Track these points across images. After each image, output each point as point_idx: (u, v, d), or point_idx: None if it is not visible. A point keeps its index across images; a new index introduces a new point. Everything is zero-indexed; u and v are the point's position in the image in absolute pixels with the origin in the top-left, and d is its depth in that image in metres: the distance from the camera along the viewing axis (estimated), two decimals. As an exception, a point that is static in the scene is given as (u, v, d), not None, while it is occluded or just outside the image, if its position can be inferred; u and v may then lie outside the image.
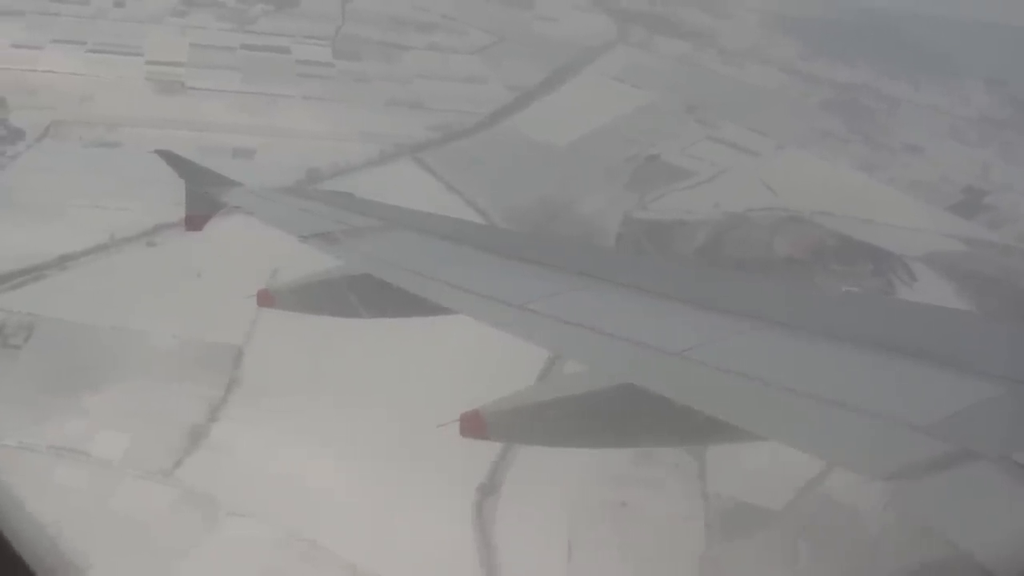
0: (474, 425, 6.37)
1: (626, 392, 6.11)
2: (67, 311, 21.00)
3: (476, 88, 34.18)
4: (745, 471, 18.62)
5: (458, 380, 18.96)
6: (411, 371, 19.54)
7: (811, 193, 30.03)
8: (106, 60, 32.16)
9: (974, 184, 32.76)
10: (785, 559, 17.78)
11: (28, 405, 18.47)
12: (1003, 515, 4.83)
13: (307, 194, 11.74)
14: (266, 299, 8.85)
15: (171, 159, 11.06)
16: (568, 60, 37.53)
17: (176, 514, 16.97)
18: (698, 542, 17.74)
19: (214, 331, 20.94)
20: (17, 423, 18.00)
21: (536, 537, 17.36)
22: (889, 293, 25.36)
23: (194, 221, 10.92)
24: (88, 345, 20.13)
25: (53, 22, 33.76)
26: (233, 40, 34.86)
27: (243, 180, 23.75)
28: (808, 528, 18.23)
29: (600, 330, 6.84)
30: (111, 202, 24.72)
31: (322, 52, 34.95)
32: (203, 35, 34.82)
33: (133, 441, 18.10)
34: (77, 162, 26.71)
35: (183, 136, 28.13)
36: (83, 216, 24.04)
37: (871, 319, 7.06)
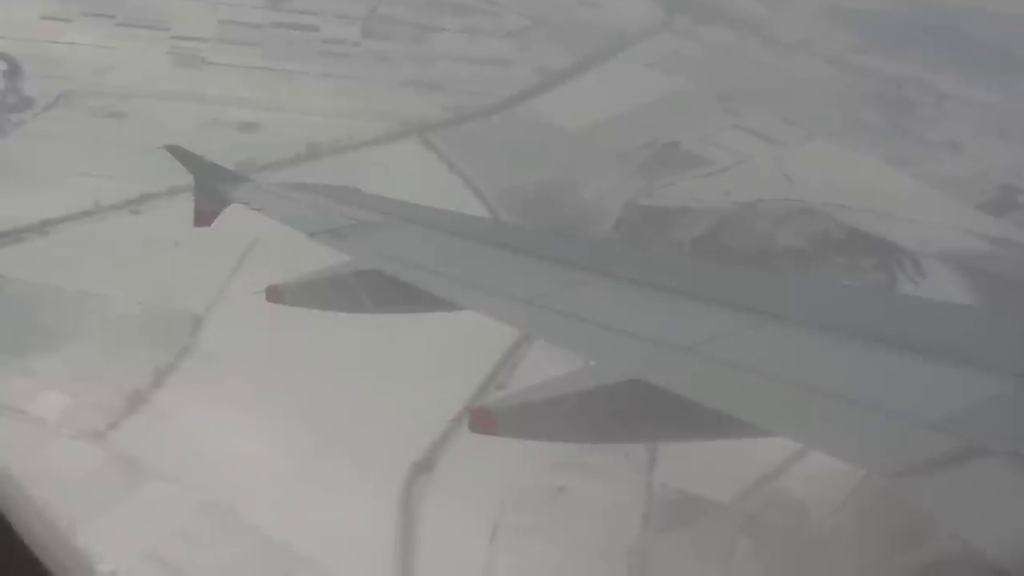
0: (484, 420, 6.60)
1: (635, 387, 6.27)
2: (37, 274, 21.28)
3: (502, 71, 33.78)
4: (698, 463, 18.08)
5: (416, 369, 18.92)
6: (371, 357, 19.35)
7: (831, 185, 29.11)
8: (132, 34, 32.50)
9: (1011, 182, 31.34)
10: (720, 553, 17.19)
11: (-22, 363, 18.77)
12: (1013, 510, 4.79)
13: (315, 190, 11.87)
14: (275, 295, 9.18)
15: (181, 155, 11.28)
16: (603, 46, 36.79)
17: (100, 475, 17.03)
18: (631, 532, 17.24)
19: (179, 300, 21.03)
20: (-36, 380, 18.34)
21: (462, 517, 17.07)
22: (891, 288, 24.39)
23: (203, 216, 11.14)
24: (51, 308, 20.34)
25: (84, -6, 34.23)
26: (263, 17, 34.95)
27: (242, 152, 24.08)
28: (752, 523, 17.63)
29: (609, 325, 7.14)
30: (104, 170, 25.00)
31: (351, 31, 34.84)
32: (234, 12, 34.94)
33: (73, 402, 18.22)
34: (80, 131, 27.08)
35: (191, 109, 28.43)
36: (73, 183, 24.33)
37: (880, 315, 7.08)
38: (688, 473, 18.15)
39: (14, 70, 29.18)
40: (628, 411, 6.48)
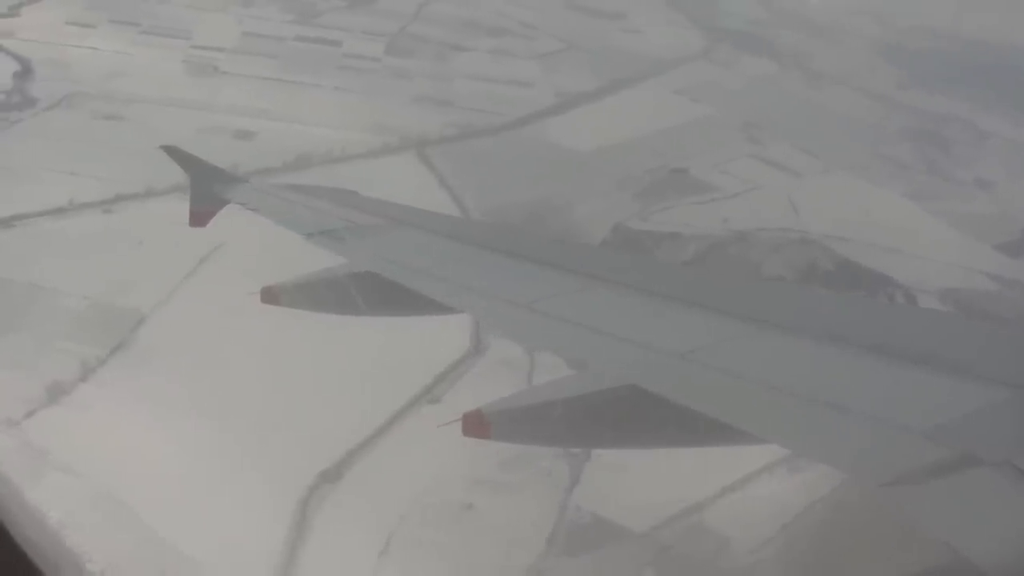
0: (477, 424, 6.53)
1: (629, 393, 6.30)
2: (-9, 265, 21.46)
3: (521, 91, 33.42)
4: (623, 488, 17.55)
5: (352, 376, 18.69)
6: (308, 363, 19.24)
7: (840, 217, 28.21)
8: (152, 42, 32.93)
9: (1039, 224, 29.95)
10: (621, 582, 16.51)
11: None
12: (1005, 521, 4.79)
13: (313, 191, 11.99)
14: (270, 296, 9.24)
15: (177, 155, 11.40)
16: (633, 71, 36.26)
17: (2, 463, 16.95)
18: (532, 553, 16.60)
19: (127, 297, 21.00)
20: None
21: (357, 529, 16.65)
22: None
23: (198, 216, 11.26)
24: (-2, 298, 20.50)
25: (115, 3, 34.69)
26: (289, 31, 35.16)
27: (230, 158, 24.17)
28: (664, 554, 16.88)
29: (604, 331, 7.14)
30: (89, 170, 25.20)
31: (374, 47, 34.83)
32: (259, 25, 35.26)
33: (-4, 390, 18.28)
34: (76, 132, 27.39)
35: (192, 115, 28.64)
36: (55, 180, 24.58)
37: (874, 324, 7.12)
38: (609, 498, 17.53)
39: (26, 71, 29.76)
40: (622, 417, 6.48)
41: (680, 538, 17.05)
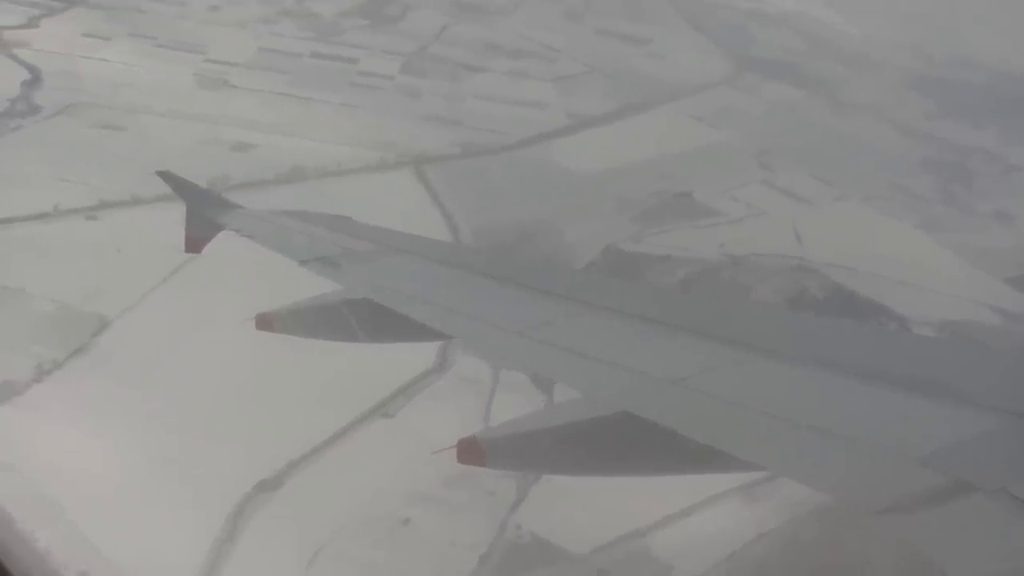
0: (471, 452, 6.52)
1: (625, 420, 6.27)
2: (-35, 266, 21.61)
3: (532, 113, 33.12)
4: (567, 510, 17.14)
5: (309, 390, 18.59)
6: (264, 376, 18.95)
7: (845, 246, 27.55)
8: (166, 55, 33.07)
9: (1055, 258, 29.00)
10: (554, 604, 16.07)
11: None
12: (999, 548, 4.73)
13: (308, 217, 12.00)
14: (265, 322, 9.22)
15: (172, 180, 11.48)
16: (651, 95, 35.88)
17: (-57, 462, 16.98)
18: (463, 571, 16.24)
19: (94, 303, 20.99)
20: None
21: (287, 539, 16.42)
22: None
23: (193, 243, 11.31)
24: (-38, 298, 20.61)
25: (136, 18, 34.99)
26: (305, 48, 35.23)
27: (224, 171, 24.14)
28: (603, 576, 16.44)
29: (598, 357, 7.12)
30: (78, 177, 25.35)
31: (390, 66, 34.75)
32: (277, 41, 35.39)
33: (-54, 388, 18.33)
34: (73, 140, 27.51)
35: (193, 127, 28.75)
36: (42, 186, 24.70)
37: (869, 350, 7.10)
38: (552, 519, 17.13)
39: (34, 80, 30.09)
40: (616, 444, 6.48)
41: (620, 563, 16.60)
